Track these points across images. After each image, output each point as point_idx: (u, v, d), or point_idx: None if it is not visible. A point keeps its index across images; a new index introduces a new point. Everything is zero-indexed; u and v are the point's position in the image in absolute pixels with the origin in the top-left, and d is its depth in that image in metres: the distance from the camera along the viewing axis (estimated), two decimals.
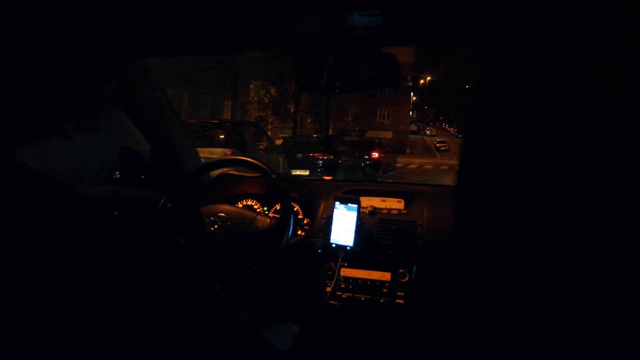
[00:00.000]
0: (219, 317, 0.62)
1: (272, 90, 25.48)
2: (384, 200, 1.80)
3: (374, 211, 1.73)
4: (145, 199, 1.79)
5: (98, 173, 0.72)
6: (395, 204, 1.78)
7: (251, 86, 26.66)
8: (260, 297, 1.65)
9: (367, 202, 1.78)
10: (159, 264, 0.58)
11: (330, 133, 28.30)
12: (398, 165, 19.68)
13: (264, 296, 1.66)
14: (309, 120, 32.30)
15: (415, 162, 26.01)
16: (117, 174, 1.86)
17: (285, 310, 1.70)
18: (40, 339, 0.49)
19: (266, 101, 25.77)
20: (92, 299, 0.52)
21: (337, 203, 1.72)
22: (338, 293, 1.66)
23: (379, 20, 1.06)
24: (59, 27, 0.64)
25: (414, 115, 65.83)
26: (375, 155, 15.96)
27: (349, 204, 1.70)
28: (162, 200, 1.58)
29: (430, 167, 23.57)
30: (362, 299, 1.63)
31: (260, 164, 1.57)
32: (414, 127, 57.95)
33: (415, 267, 1.62)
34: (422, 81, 45.23)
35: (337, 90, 1.31)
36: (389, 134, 40.07)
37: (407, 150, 39.62)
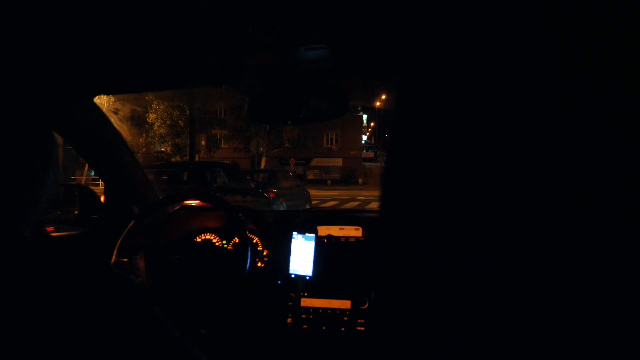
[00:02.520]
0: (171, 354, 0.62)
1: (175, 114, 22.33)
2: (342, 229, 1.82)
3: (332, 240, 1.74)
4: (100, 237, 1.74)
5: (42, 210, 0.71)
6: (352, 231, 1.80)
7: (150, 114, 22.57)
8: (226, 328, 1.62)
9: (325, 230, 1.80)
10: (112, 303, 0.58)
11: (262, 163, 24.74)
12: (314, 202, 15.16)
13: (229, 326, 1.63)
14: (223, 145, 28.97)
15: (362, 195, 20.48)
16: (76, 212, 1.81)
17: (247, 342, 1.67)
18: None
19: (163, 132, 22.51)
20: (42, 340, 0.52)
21: (294, 233, 1.72)
22: (299, 324, 1.65)
23: (326, 54, 1.10)
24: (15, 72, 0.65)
25: (372, 142, 63.19)
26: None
27: (307, 234, 1.71)
28: (118, 241, 1.54)
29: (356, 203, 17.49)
30: (323, 328, 1.63)
31: (217, 196, 1.57)
32: (370, 154, 54.18)
33: (373, 293, 1.63)
34: (377, 103, 38.68)
35: (289, 122, 1.34)
36: (338, 161, 35.82)
37: (360, 180, 34.29)
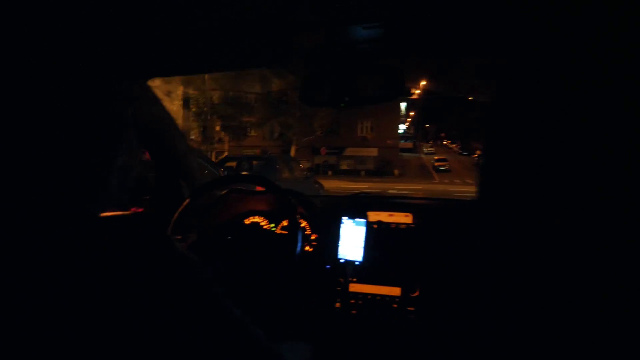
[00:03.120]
0: (232, 333, 0.63)
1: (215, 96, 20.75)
2: (392, 215, 1.78)
3: (382, 225, 1.71)
4: (154, 218, 1.79)
5: (117, 196, 0.72)
6: (403, 218, 1.76)
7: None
8: (274, 312, 1.63)
9: (374, 216, 1.77)
10: (174, 281, 0.59)
11: (292, 151, 24.32)
12: None
13: (277, 311, 1.65)
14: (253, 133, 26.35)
15: (395, 188, 18.07)
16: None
17: (296, 327, 1.67)
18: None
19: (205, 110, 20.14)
20: (107, 315, 0.54)
21: (344, 218, 1.70)
22: (347, 309, 1.64)
23: (381, 33, 1.06)
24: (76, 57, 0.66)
25: (411, 132, 59.23)
26: None
27: (357, 219, 1.68)
28: (173, 219, 1.57)
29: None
30: (372, 315, 1.61)
31: (267, 179, 1.57)
32: (408, 144, 51.27)
33: (425, 281, 1.59)
34: (417, 91, 35.28)
35: (342, 105, 1.31)
36: (373, 151, 32.72)
37: (396, 172, 31.75)
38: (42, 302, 0.52)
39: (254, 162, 11.61)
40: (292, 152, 24.67)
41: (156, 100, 1.66)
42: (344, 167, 32.84)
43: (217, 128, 23.55)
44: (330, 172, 30.99)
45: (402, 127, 47.33)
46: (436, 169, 35.99)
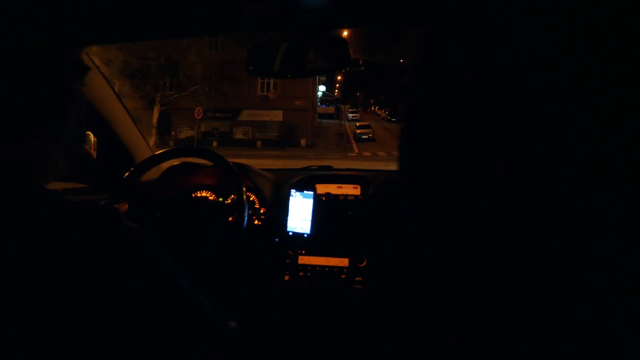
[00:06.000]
0: (181, 303, 0.64)
1: None
2: (340, 187, 1.80)
3: (330, 198, 1.73)
4: (99, 192, 1.72)
5: (63, 168, 0.70)
6: (351, 190, 1.79)
7: None
8: (223, 285, 1.63)
9: (323, 189, 1.78)
10: (122, 252, 0.59)
11: (154, 116, 18.19)
12: None
13: (226, 284, 1.64)
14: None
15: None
16: None
17: (246, 299, 1.68)
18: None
19: None
20: (55, 289, 0.53)
21: (292, 191, 1.71)
22: (296, 281, 1.66)
23: (328, 2, 1.05)
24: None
25: (337, 95, 51.87)
26: None
27: (305, 192, 1.69)
28: (115, 192, 1.52)
29: None
30: (321, 286, 1.63)
31: (214, 153, 1.54)
32: (329, 109, 44.78)
33: (371, 251, 1.63)
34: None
35: (289, 76, 1.30)
36: (277, 115, 25.64)
37: (303, 142, 25.37)
38: None
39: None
40: (154, 116, 18.67)
41: (97, 72, 1.58)
42: (238, 135, 26.15)
43: None
44: (215, 143, 24.14)
45: (322, 88, 40.94)
46: (358, 138, 30.15)
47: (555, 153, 0.23)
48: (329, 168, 2.03)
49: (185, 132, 24.26)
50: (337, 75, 47.49)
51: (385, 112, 51.95)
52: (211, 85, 19.83)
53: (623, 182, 0.21)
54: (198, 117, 18.68)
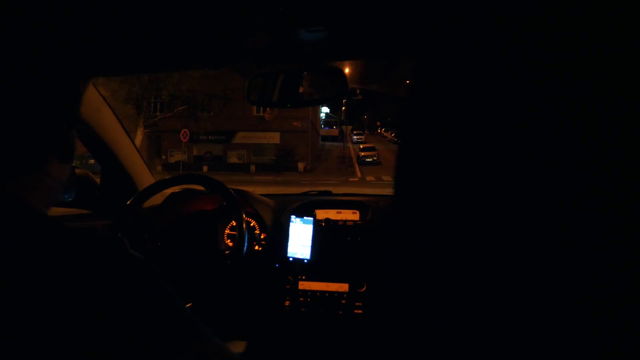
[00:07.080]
0: (182, 330, 0.63)
1: None
2: (340, 212, 1.82)
3: (330, 223, 1.75)
4: (99, 220, 1.74)
5: (58, 194, 0.71)
6: (350, 215, 1.81)
7: None
8: (224, 311, 1.63)
9: (322, 214, 1.80)
10: (122, 281, 0.59)
11: (138, 138, 16.15)
12: None
13: (227, 310, 1.65)
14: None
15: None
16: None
17: (246, 325, 1.68)
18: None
19: None
20: (58, 318, 0.52)
21: (292, 216, 1.73)
22: (297, 307, 1.66)
23: (325, 36, 1.09)
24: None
25: (342, 117, 45.98)
26: None
27: (305, 217, 1.71)
28: (117, 219, 1.54)
29: None
30: (321, 311, 1.64)
31: (214, 180, 1.56)
32: (333, 131, 42.02)
33: (371, 276, 1.64)
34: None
35: (288, 105, 1.34)
36: (274, 137, 24.27)
37: (300, 166, 23.70)
38: None
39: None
40: (138, 139, 16.49)
41: (101, 101, 1.62)
42: (232, 159, 24.87)
43: None
44: (205, 168, 23.02)
45: (325, 110, 40.54)
46: (361, 161, 28.34)
47: (547, 186, 0.25)
48: (329, 193, 2.05)
49: (176, 156, 23.15)
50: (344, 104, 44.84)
51: (391, 134, 49.27)
52: (197, 106, 18.08)
53: (623, 182, 0.22)
54: (184, 140, 17.33)
